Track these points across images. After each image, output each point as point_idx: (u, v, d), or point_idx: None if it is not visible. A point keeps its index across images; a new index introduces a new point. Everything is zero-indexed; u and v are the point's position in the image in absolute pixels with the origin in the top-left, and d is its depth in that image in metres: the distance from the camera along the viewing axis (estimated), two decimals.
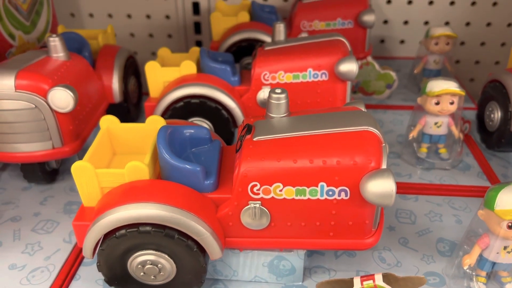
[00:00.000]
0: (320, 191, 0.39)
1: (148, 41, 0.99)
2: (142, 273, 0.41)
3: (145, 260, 0.41)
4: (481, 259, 0.43)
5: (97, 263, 0.41)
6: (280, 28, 0.64)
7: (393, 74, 0.78)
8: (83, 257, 0.48)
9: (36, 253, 0.49)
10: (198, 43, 0.99)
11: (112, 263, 0.41)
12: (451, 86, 0.58)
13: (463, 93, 0.58)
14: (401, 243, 0.50)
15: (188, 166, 0.41)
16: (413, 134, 0.62)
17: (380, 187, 0.37)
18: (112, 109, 0.69)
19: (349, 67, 0.57)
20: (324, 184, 0.39)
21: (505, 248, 0.41)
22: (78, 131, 0.56)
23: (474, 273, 0.44)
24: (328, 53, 0.59)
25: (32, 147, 0.53)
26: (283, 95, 0.43)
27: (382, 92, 0.80)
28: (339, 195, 0.39)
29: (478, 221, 0.43)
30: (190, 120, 0.61)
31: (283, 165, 0.39)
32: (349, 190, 0.39)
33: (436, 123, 0.61)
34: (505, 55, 0.93)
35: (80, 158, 0.61)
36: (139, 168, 0.40)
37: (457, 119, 0.61)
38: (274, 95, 0.43)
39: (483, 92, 0.69)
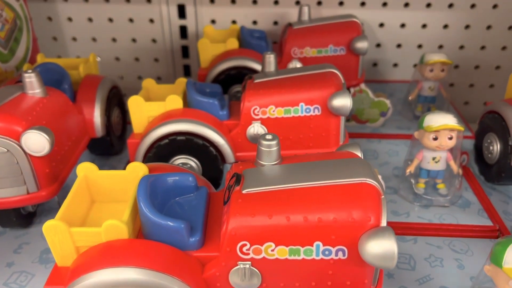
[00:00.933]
0: (316, 251, 0.36)
1: (134, 65, 0.95)
2: None
3: None
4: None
5: None
6: (271, 59, 0.61)
7: (387, 101, 0.76)
8: None
9: None
10: (186, 67, 0.96)
11: None
12: (450, 121, 0.55)
13: (462, 128, 0.55)
14: None
15: (170, 223, 0.37)
16: (410, 169, 0.59)
17: (381, 249, 0.34)
18: (94, 144, 0.66)
19: (343, 102, 0.55)
20: (320, 243, 0.36)
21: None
22: (55, 173, 0.52)
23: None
24: (321, 86, 0.57)
25: (5, 193, 0.49)
26: (274, 142, 0.40)
27: (376, 120, 0.77)
28: (336, 255, 0.36)
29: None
30: (176, 158, 0.58)
31: (275, 222, 0.36)
32: (347, 249, 0.36)
33: (434, 158, 0.58)
34: (500, 78, 0.92)
35: (60, 200, 0.58)
36: (117, 227, 0.37)
37: (456, 153, 0.59)
38: (264, 142, 0.40)
39: (481, 122, 0.66)
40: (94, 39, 0.93)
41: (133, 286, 0.35)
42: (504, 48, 0.89)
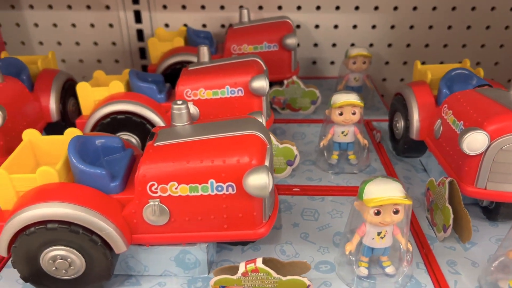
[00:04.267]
0: (211, 187, 0.45)
1: (96, 67, 1.04)
2: (53, 268, 0.46)
3: (55, 255, 0.45)
4: (363, 247, 0.49)
5: (11, 260, 0.45)
6: (204, 51, 0.71)
7: (316, 91, 0.86)
8: (6, 260, 0.52)
9: None
10: (144, 67, 1.05)
11: (26, 260, 0.45)
12: (351, 98, 0.65)
13: (362, 104, 0.65)
14: (302, 237, 0.56)
15: (93, 170, 0.46)
16: (324, 142, 0.69)
17: (256, 180, 0.43)
18: (51, 128, 0.74)
19: (260, 83, 0.64)
20: (214, 180, 0.45)
21: (378, 234, 0.47)
22: (9, 147, 0.60)
23: (357, 259, 0.49)
24: (243, 71, 0.66)
25: None
26: (183, 106, 0.49)
27: (308, 108, 0.86)
28: (227, 190, 0.45)
29: (357, 213, 0.49)
30: (118, 135, 0.66)
31: (177, 166, 0.45)
32: (235, 185, 0.45)
33: (343, 132, 0.67)
34: None
35: None
36: (49, 173, 0.45)
37: (362, 127, 0.68)
38: (175, 106, 0.49)
39: (391, 104, 0.76)
40: (59, 43, 1.02)
41: (60, 217, 0.43)
42: (427, 45, 1.00)
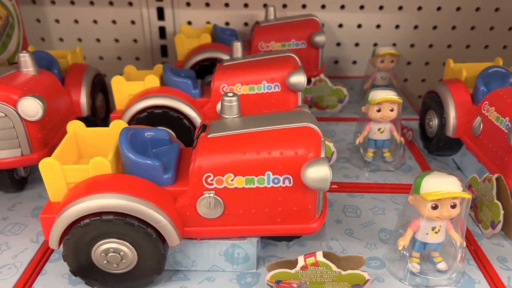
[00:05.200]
0: (267, 179, 0.44)
1: (116, 64, 1.03)
2: (105, 262, 0.45)
3: (108, 248, 0.44)
4: (414, 241, 0.48)
5: (62, 253, 0.44)
6: (238, 46, 0.70)
7: (344, 89, 0.85)
8: (50, 254, 0.51)
9: (3, 253, 0.51)
10: None
11: (77, 253, 0.44)
12: (389, 94, 0.64)
13: (400, 100, 0.64)
14: (346, 233, 0.55)
15: (147, 162, 0.45)
16: (359, 139, 0.68)
17: (317, 173, 0.42)
18: None
19: (298, 79, 0.64)
20: (270, 173, 0.44)
21: (433, 229, 0.47)
22: (46, 140, 0.59)
23: (408, 255, 0.49)
24: (280, 67, 0.65)
25: (1, 154, 0.56)
26: (234, 98, 0.48)
27: (335, 106, 0.86)
28: (283, 183, 0.44)
29: (410, 208, 0.48)
30: None
31: (233, 157, 0.44)
32: (292, 177, 0.44)
33: (379, 129, 0.67)
34: None
35: None
36: (102, 164, 0.44)
37: (399, 125, 0.68)
38: (226, 98, 0.48)
39: (423, 103, 0.76)
40: (79, 40, 1.01)
41: (115, 209, 0.42)
42: (449, 46, 1.00)
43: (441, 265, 0.49)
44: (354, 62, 1.03)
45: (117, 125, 0.51)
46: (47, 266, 0.50)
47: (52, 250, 0.51)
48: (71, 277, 0.48)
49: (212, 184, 0.44)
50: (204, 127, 0.48)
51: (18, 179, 0.61)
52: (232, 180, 0.44)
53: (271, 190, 0.45)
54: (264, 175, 0.44)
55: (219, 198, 0.45)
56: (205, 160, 0.44)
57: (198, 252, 0.49)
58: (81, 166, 0.44)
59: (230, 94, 0.49)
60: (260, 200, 0.45)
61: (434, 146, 0.72)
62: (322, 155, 0.44)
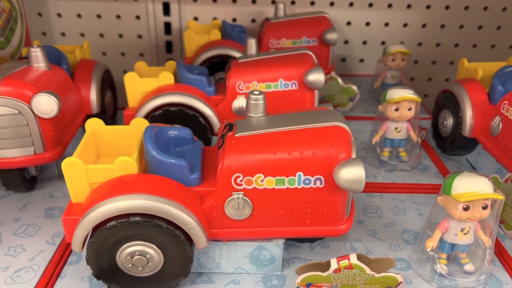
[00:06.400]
0: (298, 180, 0.43)
1: (120, 60, 1.01)
2: (130, 265, 0.43)
3: (134, 251, 0.42)
4: (441, 243, 0.48)
5: (86, 256, 0.43)
6: (252, 43, 0.69)
7: (355, 88, 0.84)
8: (68, 256, 0.49)
9: (19, 255, 0.49)
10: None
11: (101, 256, 0.43)
12: (408, 93, 0.64)
13: (419, 99, 0.64)
14: (370, 234, 0.54)
15: (174, 161, 0.44)
16: (376, 138, 0.68)
17: (352, 174, 0.41)
18: None
19: (317, 76, 0.62)
20: (301, 173, 0.43)
21: (462, 230, 0.46)
22: (59, 138, 0.57)
23: (436, 256, 0.48)
24: (298, 64, 0.64)
25: (14, 153, 0.54)
26: (260, 96, 0.47)
27: (346, 104, 0.85)
28: (314, 184, 0.43)
29: (438, 209, 0.48)
30: None
31: (263, 157, 0.43)
32: (324, 178, 0.43)
33: (396, 128, 0.66)
34: (454, 72, 1.02)
35: (59, 167, 0.62)
36: (128, 163, 0.43)
37: (415, 125, 0.67)
38: (252, 96, 0.47)
39: (436, 102, 0.75)
40: (82, 35, 0.98)
41: (144, 210, 0.41)
42: (456, 45, 1.00)
43: (469, 267, 0.48)
44: (361, 60, 1.02)
45: (138, 124, 0.49)
46: (65, 268, 0.48)
47: (70, 252, 0.50)
48: (92, 279, 0.46)
49: (241, 185, 0.43)
50: (230, 126, 0.46)
51: (29, 178, 0.59)
52: (261, 181, 0.43)
53: (301, 191, 0.43)
54: (295, 176, 0.43)
55: (247, 199, 0.44)
56: (235, 160, 0.43)
57: (223, 254, 0.47)
58: (105, 166, 0.43)
59: (256, 92, 0.47)
60: (289, 201, 0.44)
61: (449, 145, 0.71)
62: (354, 155, 0.43)
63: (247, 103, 0.48)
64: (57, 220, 0.55)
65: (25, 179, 0.59)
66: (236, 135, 0.44)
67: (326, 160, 0.43)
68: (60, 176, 0.64)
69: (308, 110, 0.49)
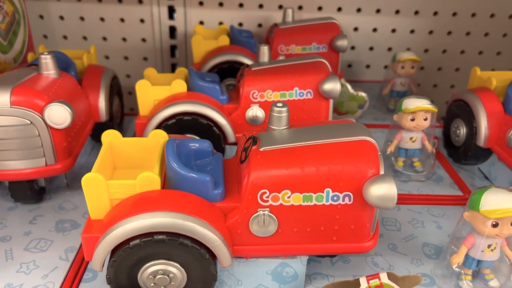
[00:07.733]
0: (326, 197, 0.42)
1: (123, 64, 0.99)
2: (152, 284, 0.42)
3: (157, 270, 0.41)
4: (467, 259, 0.47)
5: (106, 275, 0.41)
6: (265, 50, 0.67)
7: (364, 95, 0.84)
8: (83, 273, 0.47)
9: (32, 272, 0.47)
10: (173, 66, 1.00)
11: (122, 275, 0.41)
12: (424, 103, 0.63)
13: (435, 109, 0.63)
14: (390, 248, 0.53)
15: (197, 176, 0.42)
16: (391, 148, 0.67)
17: (384, 191, 0.40)
18: (98, 128, 0.69)
19: (333, 85, 0.62)
20: (330, 189, 0.42)
21: (489, 246, 0.46)
22: (70, 148, 0.56)
23: (462, 271, 0.47)
24: (313, 73, 0.63)
25: (25, 164, 0.52)
26: (284, 109, 0.46)
27: (355, 112, 0.84)
28: (343, 200, 0.42)
29: (462, 224, 0.47)
30: None
31: (291, 173, 0.41)
32: (353, 195, 0.42)
33: (411, 138, 0.66)
34: (460, 79, 1.02)
35: (68, 177, 0.61)
36: (151, 179, 0.41)
37: (430, 135, 0.66)
38: (276, 109, 0.46)
39: (448, 110, 0.75)
40: (85, 38, 0.96)
41: (169, 229, 0.39)
42: (462, 52, 1.00)
43: (494, 283, 0.48)
44: (368, 66, 1.02)
45: (156, 136, 0.48)
46: (81, 286, 0.46)
47: (85, 269, 0.48)
48: None
49: (267, 201, 0.42)
50: (254, 139, 0.45)
51: (38, 189, 0.57)
52: (288, 197, 0.42)
53: (329, 207, 0.42)
54: (323, 192, 0.42)
55: (273, 216, 0.42)
56: (261, 176, 0.41)
57: (245, 271, 0.46)
58: (128, 182, 0.41)
59: (280, 105, 0.46)
60: (316, 218, 0.43)
61: (462, 155, 0.71)
62: (382, 171, 0.42)
63: (270, 115, 0.46)
64: (69, 234, 0.53)
65: (34, 190, 0.57)
66: (261, 149, 0.43)
67: (355, 176, 0.42)
68: (69, 186, 0.62)
69: (333, 123, 0.48)
